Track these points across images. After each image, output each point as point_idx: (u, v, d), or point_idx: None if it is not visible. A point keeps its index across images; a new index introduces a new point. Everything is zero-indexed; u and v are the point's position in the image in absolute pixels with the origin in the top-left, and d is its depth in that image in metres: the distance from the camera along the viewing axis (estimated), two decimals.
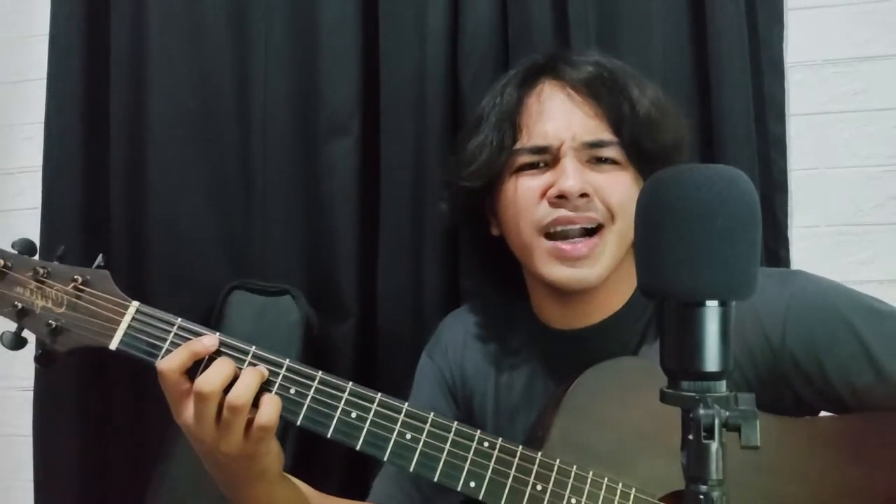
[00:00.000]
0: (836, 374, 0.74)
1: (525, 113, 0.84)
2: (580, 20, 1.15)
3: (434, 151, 1.19)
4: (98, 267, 0.77)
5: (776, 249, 1.17)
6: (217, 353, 0.72)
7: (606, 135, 0.81)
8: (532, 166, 0.82)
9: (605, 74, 0.83)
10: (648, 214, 0.48)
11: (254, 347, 0.73)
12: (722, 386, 0.45)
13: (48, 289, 0.74)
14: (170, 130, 1.25)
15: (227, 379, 0.70)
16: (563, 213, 0.79)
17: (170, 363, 0.70)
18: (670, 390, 0.46)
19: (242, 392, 0.69)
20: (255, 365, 0.72)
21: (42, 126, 1.31)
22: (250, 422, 0.70)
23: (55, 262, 0.76)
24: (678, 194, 0.46)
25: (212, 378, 0.69)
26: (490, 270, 0.97)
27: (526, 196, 0.82)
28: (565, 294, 0.84)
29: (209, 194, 1.26)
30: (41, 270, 0.74)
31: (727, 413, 0.44)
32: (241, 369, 0.72)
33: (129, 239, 1.26)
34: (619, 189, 0.81)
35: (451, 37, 1.20)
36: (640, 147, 0.81)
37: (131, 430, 1.25)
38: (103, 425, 1.28)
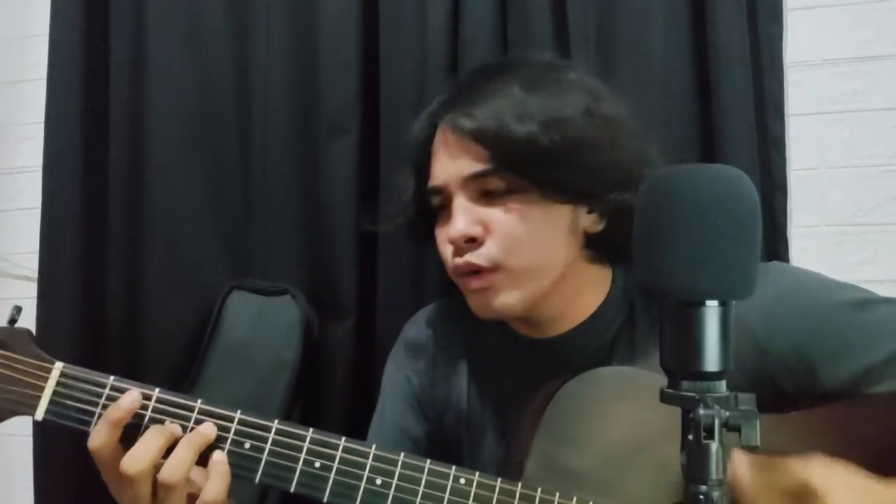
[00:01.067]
0: (822, 370, 0.73)
1: (430, 153, 0.83)
2: (579, 21, 1.15)
3: None
4: (12, 322, 0.68)
5: (776, 249, 1.17)
6: (158, 413, 0.66)
7: (480, 165, 0.76)
8: (442, 209, 0.81)
9: (492, 109, 0.76)
10: (648, 214, 0.47)
11: (199, 402, 0.67)
12: (722, 386, 0.45)
13: None
14: (169, 130, 1.25)
15: (159, 452, 0.64)
16: (454, 261, 0.78)
17: (96, 442, 0.64)
18: (670, 390, 0.46)
19: (174, 470, 0.63)
20: (202, 421, 0.67)
21: (42, 126, 1.31)
22: (195, 496, 0.64)
23: None
24: (678, 194, 0.46)
25: (137, 457, 0.63)
26: None
27: (440, 242, 0.81)
28: (520, 317, 0.83)
29: (209, 193, 1.26)
30: None
31: (727, 413, 0.44)
32: (185, 426, 0.66)
33: (129, 239, 1.26)
34: (513, 225, 0.76)
35: (451, 36, 1.20)
36: (525, 175, 0.75)
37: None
38: None
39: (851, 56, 1.21)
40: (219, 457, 0.66)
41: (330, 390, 1.21)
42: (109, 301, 1.27)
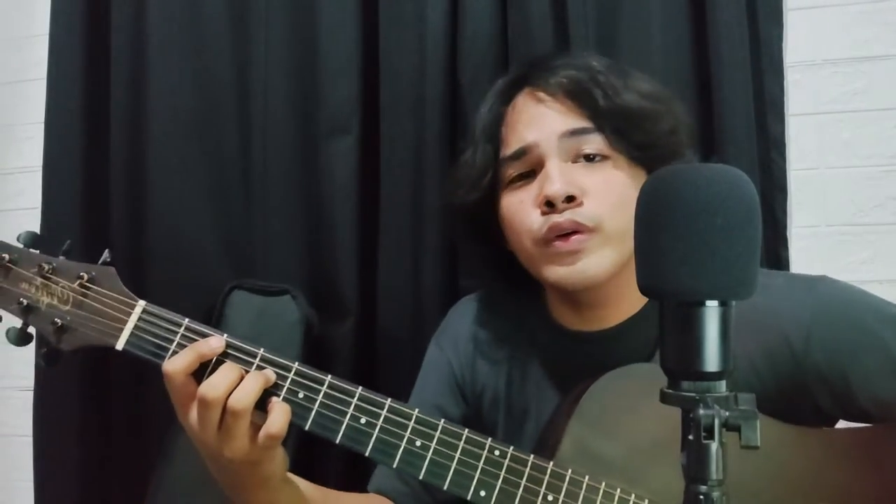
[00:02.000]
0: (860, 386, 0.72)
1: (504, 125, 0.84)
2: (580, 21, 1.15)
3: (433, 151, 1.19)
4: (104, 263, 0.75)
5: (776, 249, 1.17)
6: (224, 356, 0.71)
7: (584, 123, 0.79)
8: (521, 177, 0.81)
9: (581, 74, 0.81)
10: (648, 214, 0.47)
11: (262, 350, 0.72)
12: (722, 386, 0.45)
13: (53, 285, 0.73)
14: (170, 130, 1.25)
15: (233, 385, 0.69)
16: (554, 220, 0.77)
17: (175, 365, 0.69)
18: (670, 390, 0.46)
19: (244, 397, 0.68)
20: (262, 368, 0.71)
21: (42, 126, 1.31)
22: (257, 428, 0.69)
23: (61, 258, 0.74)
24: (678, 194, 0.46)
25: (217, 384, 0.68)
26: (508, 280, 0.94)
27: (519, 209, 0.81)
28: (579, 300, 0.83)
29: (209, 194, 1.26)
30: (46, 266, 0.72)
31: (727, 413, 0.44)
32: (248, 371, 0.70)
33: (129, 239, 1.26)
34: (609, 189, 0.78)
35: (450, 37, 1.20)
36: (626, 136, 0.79)
37: (131, 430, 1.25)
38: (103, 425, 1.28)
39: (851, 56, 1.21)
40: (278, 399, 0.71)
41: None
42: None
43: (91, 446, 1.28)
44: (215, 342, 0.71)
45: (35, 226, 1.30)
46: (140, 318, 0.73)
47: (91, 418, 1.28)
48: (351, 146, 1.23)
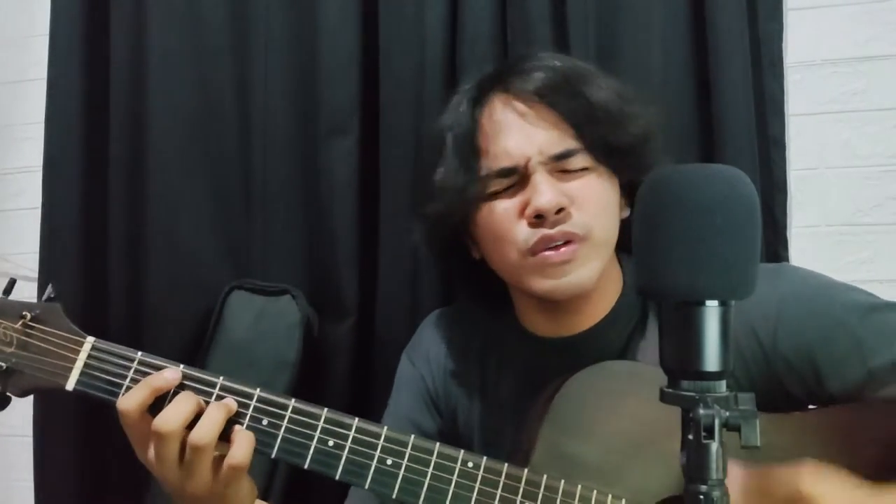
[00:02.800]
0: (829, 373, 0.73)
1: (481, 133, 0.81)
2: (579, 21, 1.15)
3: None
4: (48, 299, 0.72)
5: (776, 249, 1.17)
6: (181, 387, 0.69)
7: (571, 142, 0.78)
8: (505, 189, 0.79)
9: (556, 78, 0.80)
10: (648, 214, 0.47)
11: (221, 378, 0.70)
12: (722, 386, 0.46)
13: None
14: (170, 130, 1.25)
15: (189, 416, 0.67)
16: (543, 232, 0.76)
17: (129, 402, 0.67)
18: (670, 390, 0.46)
19: (206, 431, 0.66)
20: (223, 397, 0.70)
21: (42, 126, 1.31)
22: (220, 460, 0.67)
23: (1, 296, 0.71)
24: (677, 194, 0.46)
25: (170, 417, 0.66)
26: (473, 290, 0.94)
27: (503, 219, 0.78)
28: (552, 305, 0.82)
29: (209, 194, 1.26)
30: None
31: (727, 413, 0.44)
32: (208, 402, 0.69)
33: (129, 239, 1.26)
34: (593, 197, 0.78)
35: (450, 37, 1.20)
36: (605, 145, 0.79)
37: None
38: (103, 425, 1.28)
39: (851, 56, 1.21)
40: (241, 427, 0.69)
41: (330, 390, 1.21)
42: (110, 302, 1.27)
43: (91, 447, 1.28)
44: (170, 374, 0.69)
45: (35, 226, 1.31)
46: (90, 356, 0.71)
47: (91, 418, 1.28)
48: (351, 146, 1.23)
